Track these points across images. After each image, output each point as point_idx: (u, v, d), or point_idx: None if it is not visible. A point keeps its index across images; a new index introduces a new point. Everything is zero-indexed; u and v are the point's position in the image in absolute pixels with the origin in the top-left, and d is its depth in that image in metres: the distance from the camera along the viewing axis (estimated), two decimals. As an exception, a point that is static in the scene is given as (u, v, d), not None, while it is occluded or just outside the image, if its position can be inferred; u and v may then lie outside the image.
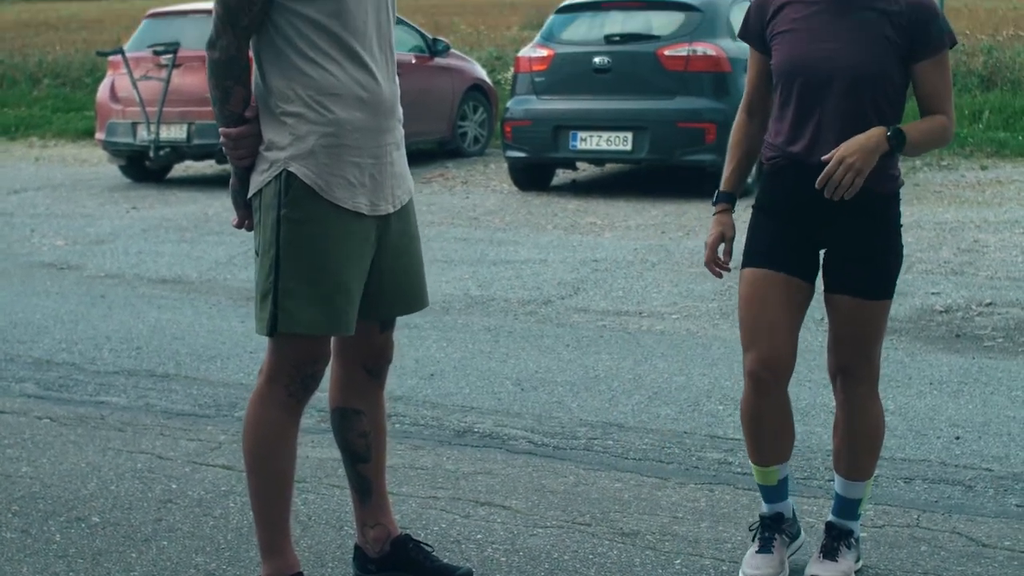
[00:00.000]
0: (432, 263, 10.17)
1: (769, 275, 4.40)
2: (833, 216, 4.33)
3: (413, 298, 4.34)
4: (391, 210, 4.17)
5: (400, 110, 4.23)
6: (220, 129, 4.11)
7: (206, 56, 4.09)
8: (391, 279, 4.23)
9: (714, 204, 4.60)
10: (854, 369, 4.45)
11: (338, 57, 4.02)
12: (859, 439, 4.50)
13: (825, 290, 4.46)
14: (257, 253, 4.13)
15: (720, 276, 4.63)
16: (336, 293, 4.05)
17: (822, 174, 4.16)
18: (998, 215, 11.86)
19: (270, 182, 4.04)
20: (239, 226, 4.25)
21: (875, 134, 4.17)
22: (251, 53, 4.08)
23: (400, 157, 4.23)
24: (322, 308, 4.05)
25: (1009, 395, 6.73)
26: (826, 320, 4.55)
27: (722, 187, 4.59)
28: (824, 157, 4.19)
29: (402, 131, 4.25)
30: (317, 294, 4.03)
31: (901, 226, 4.46)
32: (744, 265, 4.49)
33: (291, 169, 4.00)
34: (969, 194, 13.07)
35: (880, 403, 4.54)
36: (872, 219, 4.35)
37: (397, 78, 4.23)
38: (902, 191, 4.49)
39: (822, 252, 4.46)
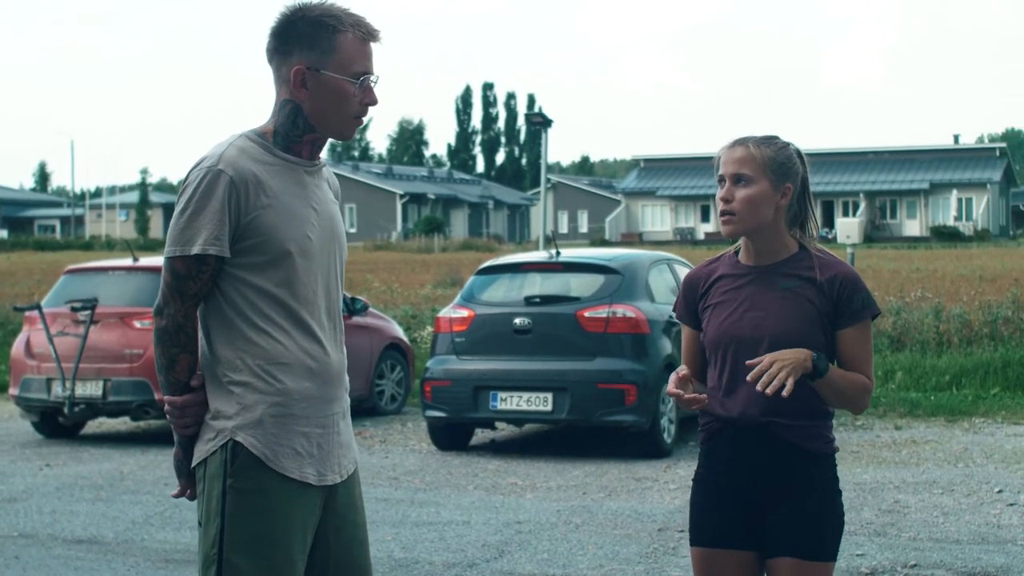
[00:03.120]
0: (354, 524, 10.03)
1: (719, 554, 4.49)
2: (771, 477, 4.41)
3: (357, 570, 4.27)
4: (338, 480, 4.14)
5: (347, 378, 4.22)
6: (165, 397, 4.07)
7: (153, 323, 4.06)
8: (336, 550, 4.17)
9: None
10: None
11: (287, 326, 4.02)
12: None
13: (766, 556, 4.49)
14: (200, 523, 4.06)
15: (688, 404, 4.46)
16: (282, 566, 3.97)
17: (755, 371, 4.23)
18: (916, 475, 11.94)
19: (216, 451, 4.00)
20: (181, 496, 4.19)
21: (802, 351, 4.29)
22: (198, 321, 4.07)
23: (347, 426, 4.21)
24: (267, 581, 3.96)
25: (943, 662, 6.68)
26: None
27: None
28: (750, 362, 4.27)
29: (348, 399, 4.24)
30: (263, 567, 3.95)
31: (840, 491, 4.53)
32: (692, 543, 4.55)
33: (238, 439, 3.97)
34: (886, 454, 13.18)
35: None
36: (809, 480, 4.43)
37: (344, 347, 4.23)
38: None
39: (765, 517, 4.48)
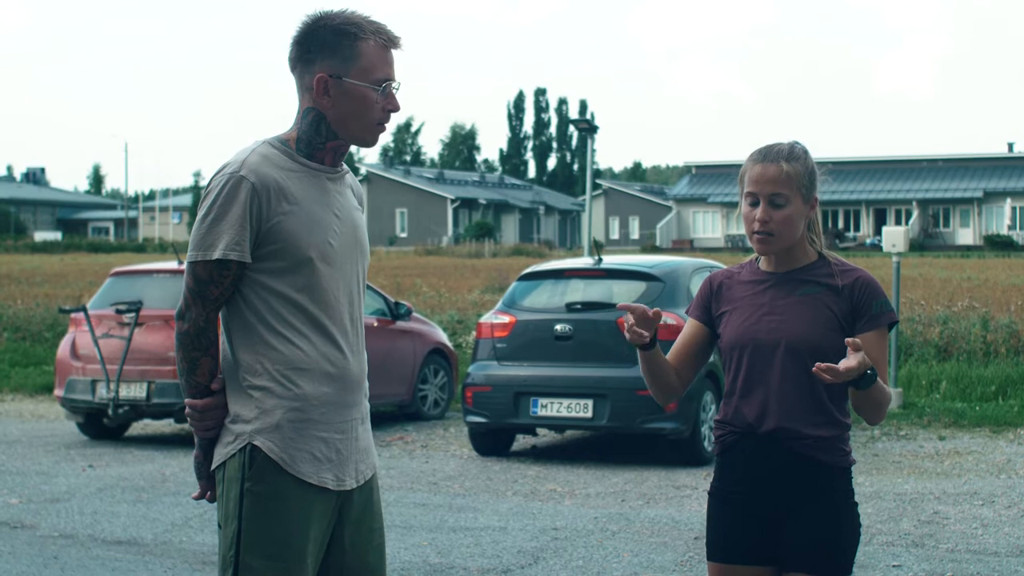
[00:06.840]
0: (391, 528, 10.07)
1: (736, 570, 4.48)
2: (787, 490, 4.41)
3: (370, 574, 4.29)
4: (355, 485, 4.16)
5: (367, 384, 4.25)
6: (186, 400, 4.11)
7: (175, 327, 4.11)
8: (351, 555, 4.19)
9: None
10: None
11: (307, 331, 4.05)
12: None
13: (782, 571, 4.48)
14: (220, 525, 4.10)
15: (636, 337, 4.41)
16: (297, 569, 4.00)
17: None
18: (957, 486, 11.87)
19: (234, 455, 4.03)
20: (200, 497, 4.22)
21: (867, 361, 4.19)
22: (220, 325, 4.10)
23: (365, 431, 4.23)
24: (284, 584, 3.99)
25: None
26: None
27: None
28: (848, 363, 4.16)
29: (368, 405, 4.27)
30: (278, 569, 3.98)
31: (856, 503, 4.52)
32: (709, 558, 4.55)
33: (256, 443, 4.00)
34: (928, 464, 13.10)
35: None
36: (826, 493, 4.42)
37: (365, 352, 4.25)
38: (859, 462, 4.53)
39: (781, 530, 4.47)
